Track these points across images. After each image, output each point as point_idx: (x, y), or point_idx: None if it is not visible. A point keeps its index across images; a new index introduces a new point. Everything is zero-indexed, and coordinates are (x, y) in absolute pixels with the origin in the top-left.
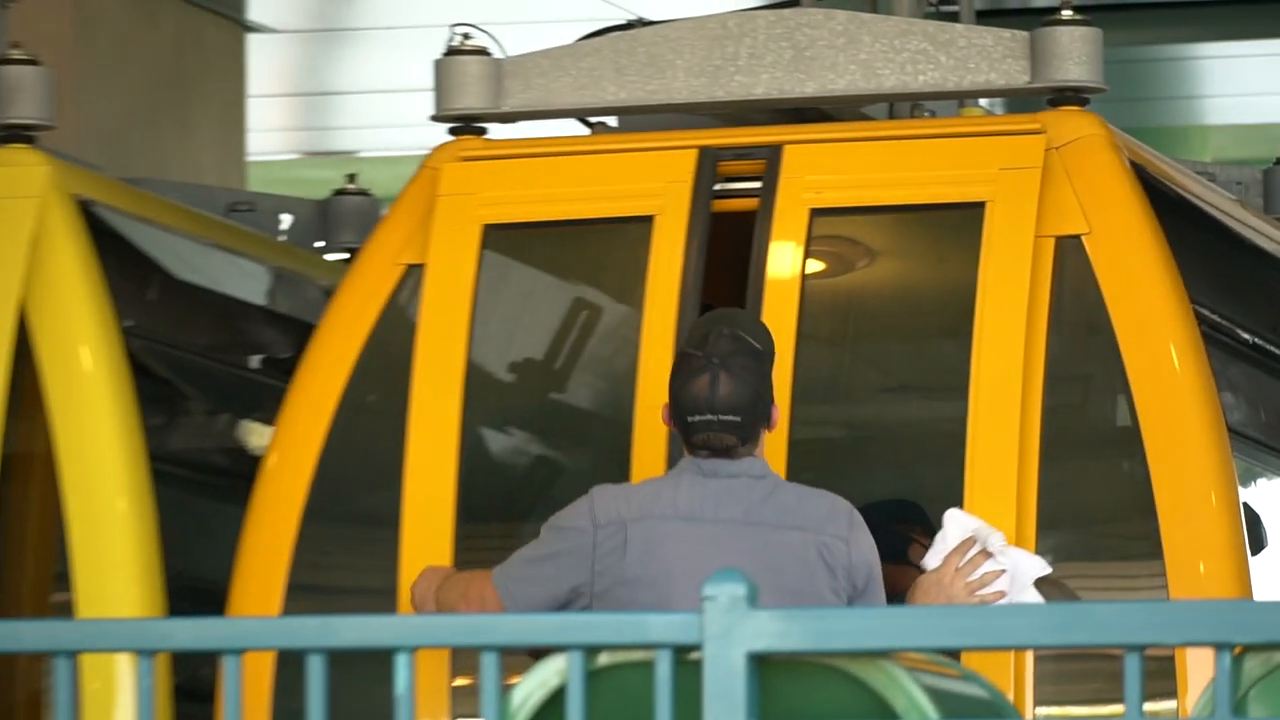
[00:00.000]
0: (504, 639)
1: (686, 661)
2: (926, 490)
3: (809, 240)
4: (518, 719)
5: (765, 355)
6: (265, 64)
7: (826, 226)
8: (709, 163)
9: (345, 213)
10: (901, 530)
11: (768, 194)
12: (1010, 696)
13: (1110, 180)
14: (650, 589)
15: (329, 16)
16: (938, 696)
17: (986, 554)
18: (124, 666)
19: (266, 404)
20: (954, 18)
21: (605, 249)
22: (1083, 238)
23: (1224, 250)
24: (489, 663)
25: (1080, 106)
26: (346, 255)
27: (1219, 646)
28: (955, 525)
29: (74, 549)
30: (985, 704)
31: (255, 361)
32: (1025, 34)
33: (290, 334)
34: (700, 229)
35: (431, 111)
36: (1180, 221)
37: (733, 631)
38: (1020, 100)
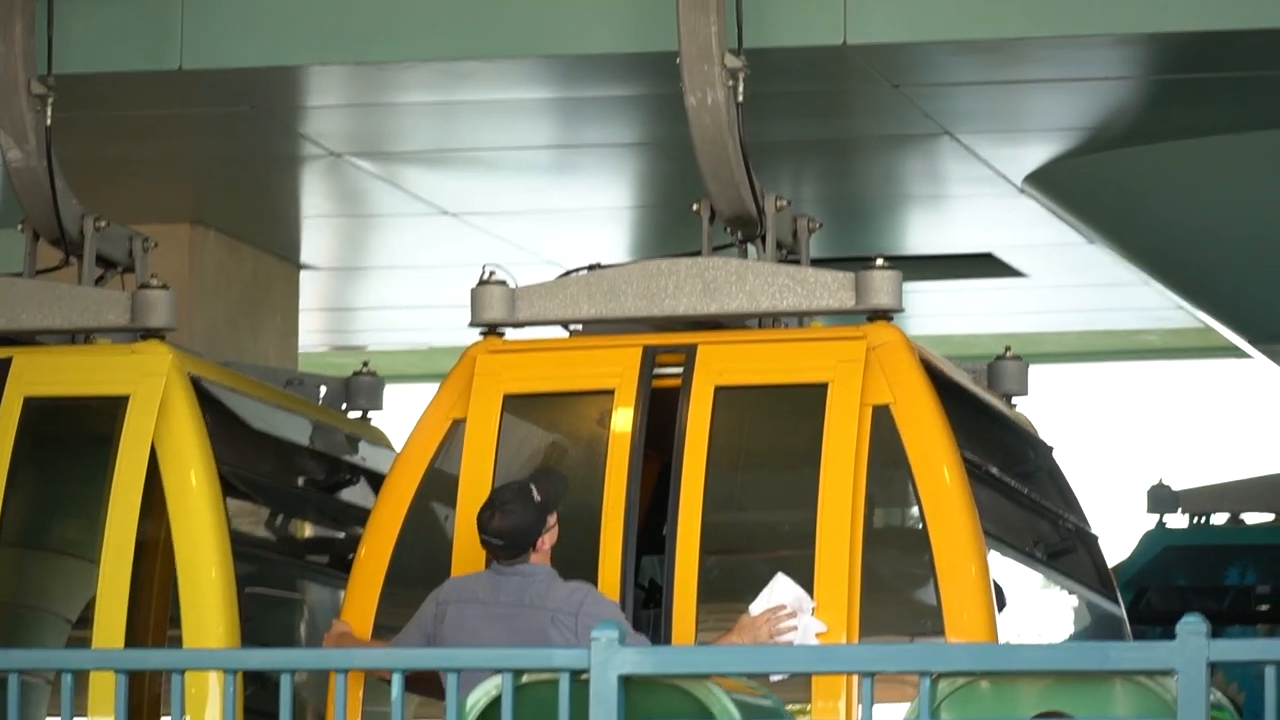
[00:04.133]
0: (462, 664)
1: (579, 681)
2: (789, 568)
3: (715, 407)
4: (470, 716)
5: (542, 505)
6: (310, 289)
7: (726, 398)
8: (650, 356)
9: (360, 387)
10: None
11: (687, 376)
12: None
13: (907, 369)
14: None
15: (350, 260)
16: (742, 706)
17: (790, 614)
18: (214, 680)
19: (309, 511)
20: (796, 262)
21: (582, 411)
22: (890, 406)
23: (974, 412)
24: (451, 681)
25: (888, 321)
26: (360, 414)
27: (922, 674)
28: (780, 588)
29: (183, 601)
30: (773, 711)
31: (301, 482)
32: (852, 274)
33: (325, 465)
34: (644, 399)
35: (421, 322)
36: (949, 395)
37: (609, 661)
38: (849, 316)
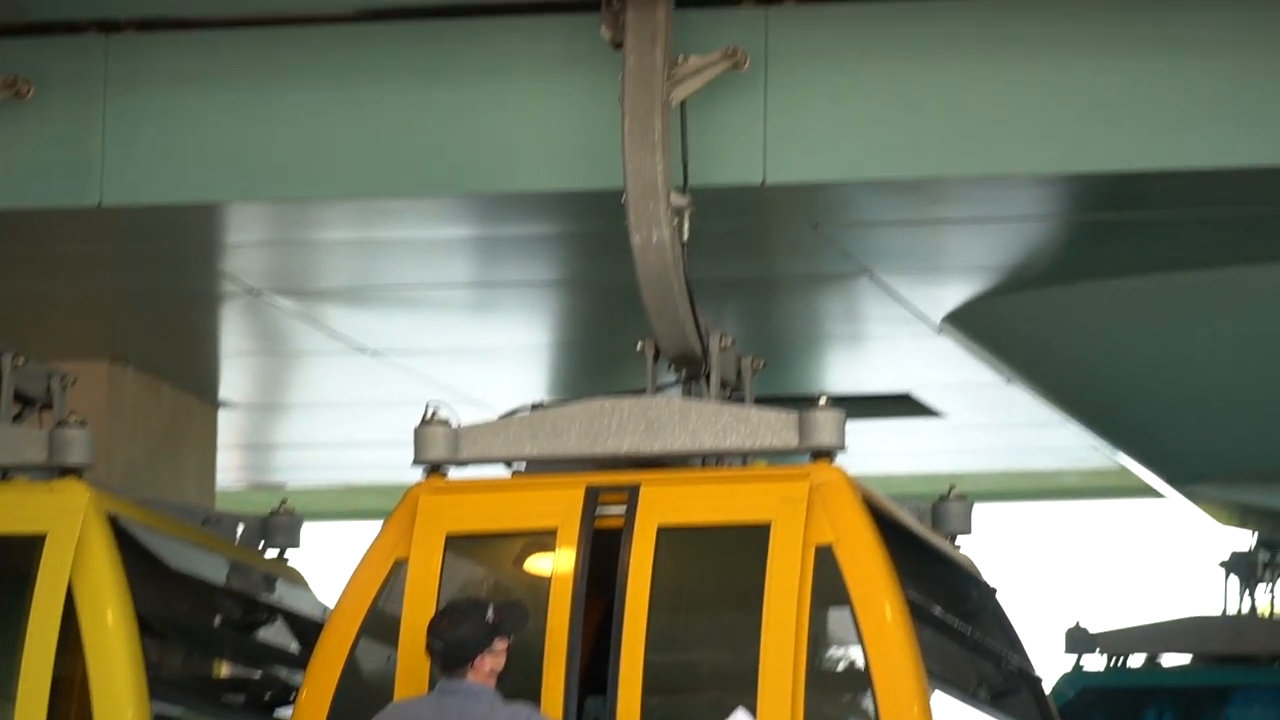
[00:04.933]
0: None
1: None
2: (731, 704)
3: (658, 547)
4: None
5: (493, 626)
6: (228, 427)
7: (669, 538)
8: (593, 495)
9: (278, 526)
10: None
11: (630, 516)
12: None
13: (850, 510)
14: None
15: (269, 397)
16: None
17: None
18: None
19: (226, 650)
20: (740, 400)
21: (526, 550)
22: (832, 545)
23: (917, 552)
24: None
25: (830, 461)
26: (278, 552)
27: None
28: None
29: None
30: None
31: (218, 621)
32: (795, 413)
33: (241, 605)
34: (586, 538)
35: (340, 460)
36: (892, 534)
37: None
38: (792, 455)
